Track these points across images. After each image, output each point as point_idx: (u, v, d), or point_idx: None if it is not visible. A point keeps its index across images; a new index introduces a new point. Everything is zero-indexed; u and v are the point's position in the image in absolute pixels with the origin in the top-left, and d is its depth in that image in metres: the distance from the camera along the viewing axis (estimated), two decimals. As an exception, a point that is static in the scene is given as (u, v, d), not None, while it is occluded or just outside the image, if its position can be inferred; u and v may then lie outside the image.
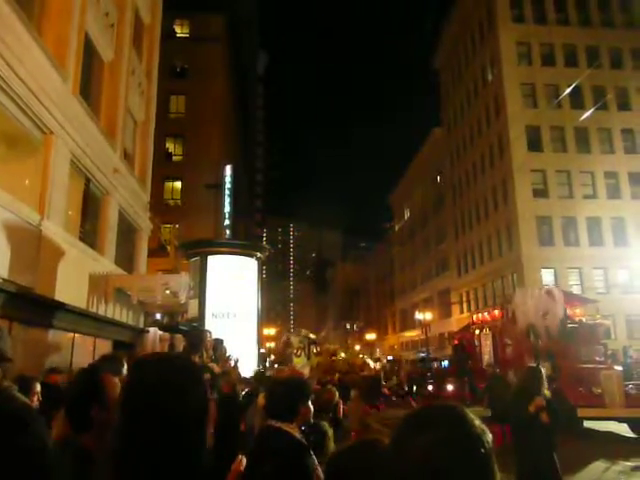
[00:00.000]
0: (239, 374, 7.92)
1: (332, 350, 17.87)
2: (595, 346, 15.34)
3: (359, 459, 1.54)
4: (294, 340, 15.07)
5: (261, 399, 4.50)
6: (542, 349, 15.41)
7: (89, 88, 13.30)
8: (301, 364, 12.42)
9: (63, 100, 10.91)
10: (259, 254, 11.09)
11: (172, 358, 1.46)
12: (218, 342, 7.86)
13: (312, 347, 14.17)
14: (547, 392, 5.98)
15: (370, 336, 59.56)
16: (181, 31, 37.43)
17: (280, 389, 2.93)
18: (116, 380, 2.10)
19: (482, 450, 1.04)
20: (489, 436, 1.08)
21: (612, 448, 10.88)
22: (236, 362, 7.96)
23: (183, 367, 1.38)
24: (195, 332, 7.76)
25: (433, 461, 1.01)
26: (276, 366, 13.36)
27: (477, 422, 1.09)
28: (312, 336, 16.61)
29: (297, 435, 2.74)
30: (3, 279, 8.56)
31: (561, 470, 5.77)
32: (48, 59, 10.20)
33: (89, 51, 13.07)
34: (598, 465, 9.34)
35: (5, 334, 2.33)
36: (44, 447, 2.03)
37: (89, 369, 2.32)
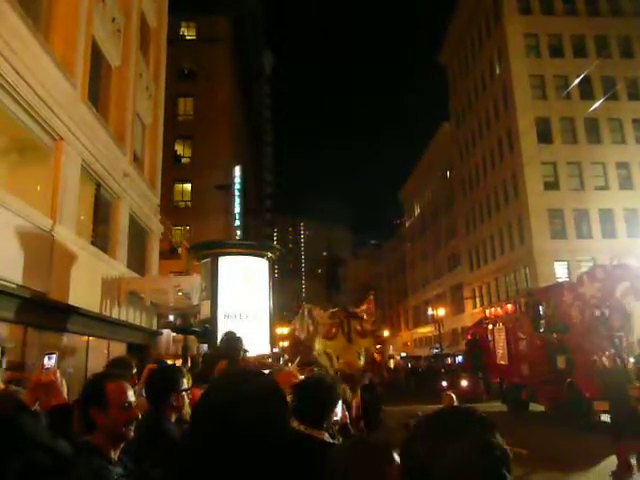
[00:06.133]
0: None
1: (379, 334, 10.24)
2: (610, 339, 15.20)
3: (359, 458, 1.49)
4: (319, 315, 9.94)
5: None
6: (556, 343, 15.29)
7: (97, 93, 13.40)
8: (340, 348, 8.61)
9: (72, 106, 11.00)
10: (270, 254, 11.05)
11: (254, 377, 1.36)
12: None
13: (353, 323, 9.37)
14: None
15: (383, 333, 59.44)
16: (187, 33, 37.59)
17: (309, 393, 2.67)
18: (121, 385, 2.20)
19: (497, 455, 1.06)
20: (503, 444, 1.10)
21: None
22: None
23: (267, 387, 1.32)
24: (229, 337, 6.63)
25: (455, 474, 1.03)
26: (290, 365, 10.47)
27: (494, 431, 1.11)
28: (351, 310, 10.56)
29: (328, 440, 2.57)
30: (17, 285, 8.68)
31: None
32: (56, 65, 10.29)
33: (97, 56, 13.16)
34: (614, 459, 9.26)
35: None
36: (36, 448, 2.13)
37: (96, 375, 2.42)
